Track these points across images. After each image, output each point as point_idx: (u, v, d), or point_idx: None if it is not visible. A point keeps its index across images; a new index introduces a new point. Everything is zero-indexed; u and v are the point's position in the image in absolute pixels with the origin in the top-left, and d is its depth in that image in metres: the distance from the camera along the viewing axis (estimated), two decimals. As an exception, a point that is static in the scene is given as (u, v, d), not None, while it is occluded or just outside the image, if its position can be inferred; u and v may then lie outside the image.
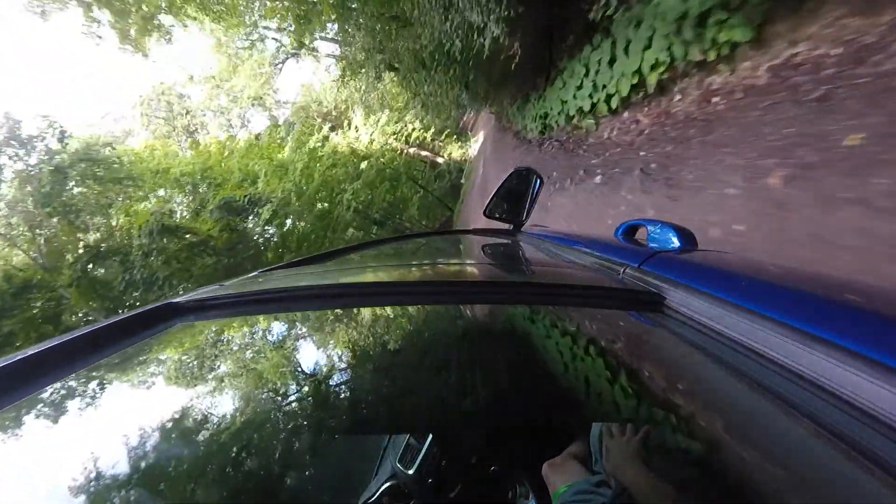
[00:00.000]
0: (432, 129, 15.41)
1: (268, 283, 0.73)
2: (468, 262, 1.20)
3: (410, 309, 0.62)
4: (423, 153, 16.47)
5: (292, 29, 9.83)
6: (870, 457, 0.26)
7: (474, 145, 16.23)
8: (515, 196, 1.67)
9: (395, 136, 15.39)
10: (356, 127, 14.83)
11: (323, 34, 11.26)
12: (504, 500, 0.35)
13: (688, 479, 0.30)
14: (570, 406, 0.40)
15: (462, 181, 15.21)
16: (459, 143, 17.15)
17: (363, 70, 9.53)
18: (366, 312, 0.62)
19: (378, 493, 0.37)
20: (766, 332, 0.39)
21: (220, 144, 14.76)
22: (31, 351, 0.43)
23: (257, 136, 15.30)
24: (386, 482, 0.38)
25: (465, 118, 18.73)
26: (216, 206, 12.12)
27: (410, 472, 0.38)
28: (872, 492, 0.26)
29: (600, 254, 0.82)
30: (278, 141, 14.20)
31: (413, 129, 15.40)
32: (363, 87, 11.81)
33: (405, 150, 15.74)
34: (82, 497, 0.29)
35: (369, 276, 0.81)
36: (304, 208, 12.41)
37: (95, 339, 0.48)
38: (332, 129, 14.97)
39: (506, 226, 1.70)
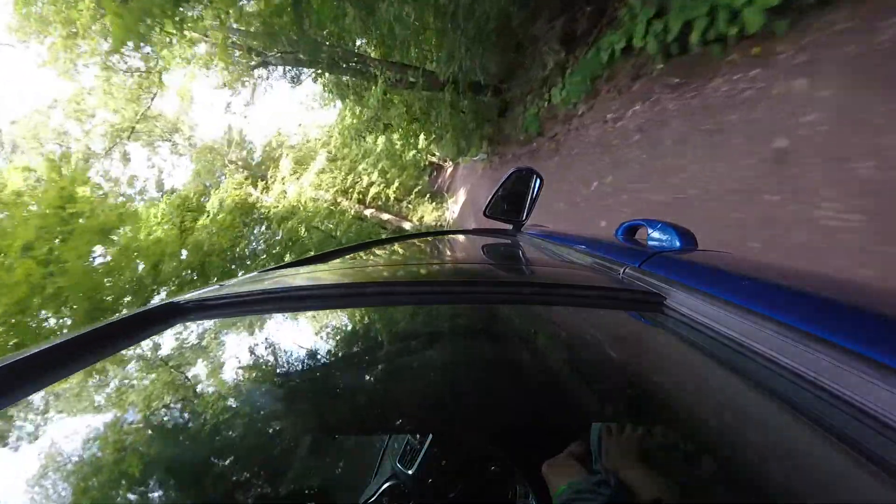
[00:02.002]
0: (396, 184, 11.51)
1: (268, 283, 0.73)
2: (468, 262, 1.20)
3: (410, 309, 0.62)
4: (385, 216, 12.17)
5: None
6: (870, 457, 0.26)
7: (453, 207, 12.15)
8: (515, 196, 1.67)
9: (344, 193, 11.67)
10: (282, 178, 11.13)
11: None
12: (504, 500, 0.35)
13: (687, 478, 0.30)
14: (570, 406, 0.40)
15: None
16: (434, 203, 12.60)
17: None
18: (366, 312, 0.62)
19: (378, 493, 0.37)
20: (767, 332, 0.39)
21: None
22: (31, 351, 0.43)
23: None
24: (386, 482, 0.38)
25: (439, 180, 15.09)
26: None
27: (410, 472, 0.38)
28: (872, 492, 0.26)
29: (600, 254, 0.82)
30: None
31: (370, 184, 11.50)
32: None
33: (360, 211, 11.92)
34: (83, 495, 0.29)
35: (369, 276, 0.81)
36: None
37: (96, 339, 0.48)
38: (254, 179, 11.55)
39: (506, 226, 1.70)
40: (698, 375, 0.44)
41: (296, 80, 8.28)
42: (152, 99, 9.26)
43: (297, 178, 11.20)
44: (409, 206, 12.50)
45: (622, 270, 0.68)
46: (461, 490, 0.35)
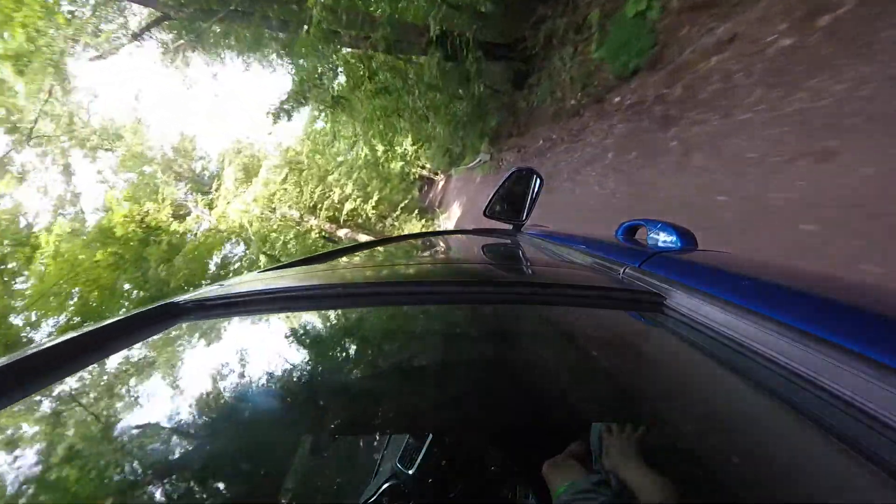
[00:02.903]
0: (376, 198, 9.40)
1: (268, 283, 0.73)
2: (468, 262, 1.20)
3: (410, 309, 0.62)
4: (362, 237, 9.83)
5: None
6: (870, 457, 0.26)
7: (445, 224, 10.43)
8: (515, 196, 1.67)
9: (312, 209, 9.76)
10: (227, 191, 9.13)
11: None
12: (504, 500, 0.35)
13: (687, 478, 0.30)
14: (570, 406, 0.40)
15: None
16: (424, 220, 10.71)
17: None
18: (365, 312, 0.62)
19: (378, 493, 0.37)
20: (766, 333, 0.39)
21: None
22: (31, 351, 0.43)
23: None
24: (386, 482, 0.38)
25: (430, 195, 13.62)
26: None
27: (410, 472, 0.38)
28: (872, 492, 0.26)
29: (600, 254, 0.82)
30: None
31: (344, 198, 9.44)
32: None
33: (331, 231, 9.97)
34: (82, 495, 0.29)
35: (369, 276, 0.81)
36: None
37: (96, 339, 0.48)
38: (198, 193, 9.62)
39: (506, 226, 1.70)
40: (698, 375, 0.44)
41: (197, 42, 5.22)
42: (49, 92, 7.00)
43: (244, 192, 9.17)
44: (395, 223, 10.64)
45: (622, 270, 0.68)
46: (461, 490, 0.35)
